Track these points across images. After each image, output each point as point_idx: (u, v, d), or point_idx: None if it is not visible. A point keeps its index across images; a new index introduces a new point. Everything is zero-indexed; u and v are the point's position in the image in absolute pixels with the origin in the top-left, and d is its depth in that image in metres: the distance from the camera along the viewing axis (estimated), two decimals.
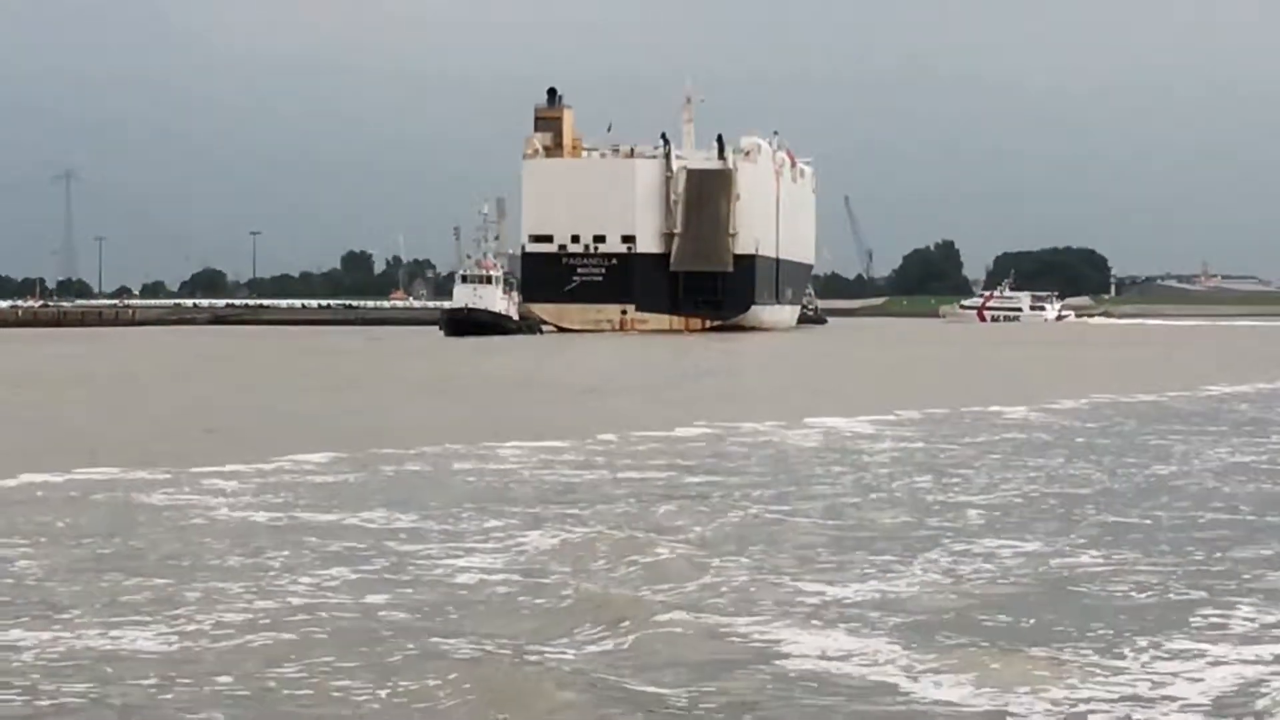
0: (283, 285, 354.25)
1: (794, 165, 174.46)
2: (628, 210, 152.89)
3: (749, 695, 12.88)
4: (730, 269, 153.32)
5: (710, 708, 12.53)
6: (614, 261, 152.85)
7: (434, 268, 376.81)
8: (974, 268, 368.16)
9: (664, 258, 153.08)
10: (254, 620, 15.86)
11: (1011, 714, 12.36)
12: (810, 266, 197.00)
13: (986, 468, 31.52)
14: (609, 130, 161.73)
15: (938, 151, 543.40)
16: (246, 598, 17.00)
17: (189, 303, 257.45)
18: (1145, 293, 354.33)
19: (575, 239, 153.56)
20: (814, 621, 15.72)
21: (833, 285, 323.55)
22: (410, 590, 17.64)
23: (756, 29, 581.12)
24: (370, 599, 17.03)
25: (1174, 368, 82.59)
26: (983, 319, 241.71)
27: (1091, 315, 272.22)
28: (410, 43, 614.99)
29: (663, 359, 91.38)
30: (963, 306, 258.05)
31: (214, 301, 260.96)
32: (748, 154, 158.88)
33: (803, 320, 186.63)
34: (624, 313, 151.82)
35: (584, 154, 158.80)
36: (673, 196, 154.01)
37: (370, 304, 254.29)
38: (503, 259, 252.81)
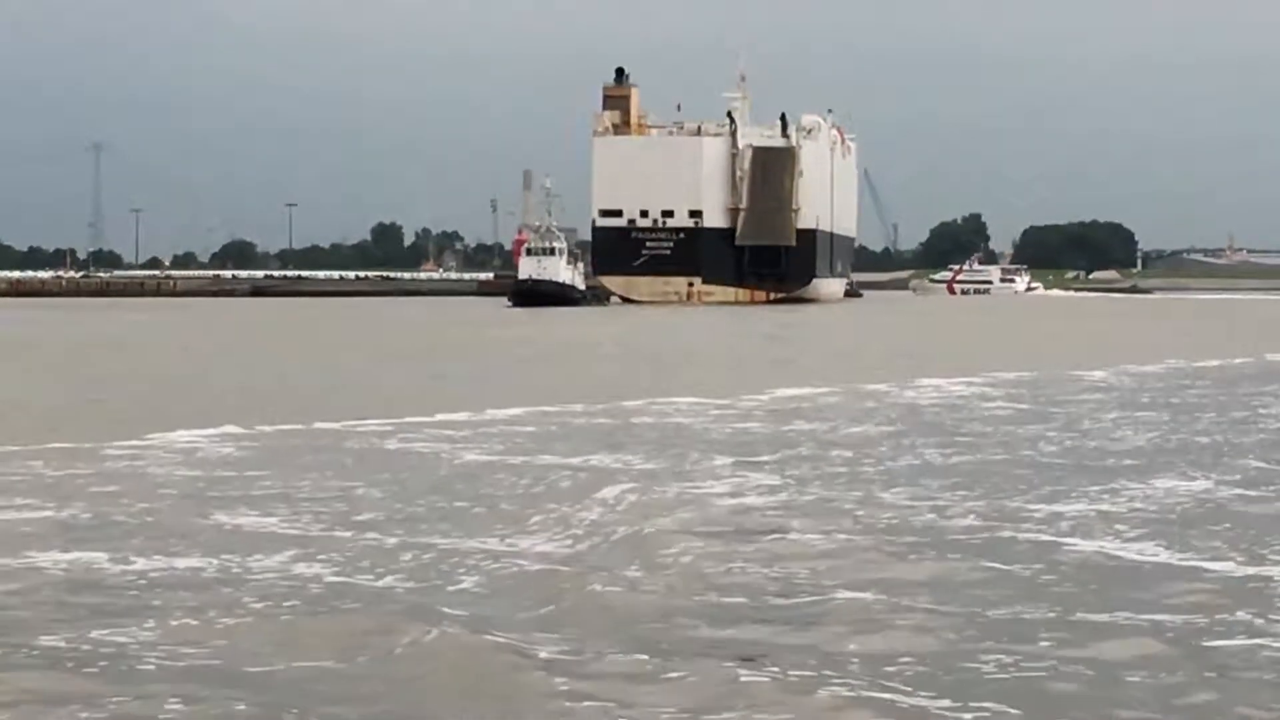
0: (313, 257, 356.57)
1: (843, 142, 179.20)
2: (695, 186, 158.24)
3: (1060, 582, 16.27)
4: (794, 243, 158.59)
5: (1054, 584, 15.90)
6: (682, 235, 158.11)
7: (463, 239, 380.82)
8: (1001, 241, 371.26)
9: (730, 232, 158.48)
10: (613, 525, 19.38)
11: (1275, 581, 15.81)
12: (853, 239, 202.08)
13: (1106, 422, 34.61)
14: (679, 109, 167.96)
15: (966, 125, 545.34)
16: (578, 517, 20.33)
17: (228, 274, 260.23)
18: (1171, 267, 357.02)
19: (644, 214, 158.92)
20: (1067, 529, 19.18)
21: (861, 258, 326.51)
22: (700, 505, 21.08)
23: (786, 2, 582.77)
24: (681, 513, 20.42)
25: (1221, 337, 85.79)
26: (952, 292, 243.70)
27: (1121, 290, 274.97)
28: (436, 16, 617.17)
29: (743, 329, 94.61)
30: (932, 280, 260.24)
31: (253, 273, 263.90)
32: (810, 132, 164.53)
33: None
34: (691, 285, 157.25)
35: (649, 131, 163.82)
36: (738, 173, 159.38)
37: (407, 276, 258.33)
38: (529, 229, 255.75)
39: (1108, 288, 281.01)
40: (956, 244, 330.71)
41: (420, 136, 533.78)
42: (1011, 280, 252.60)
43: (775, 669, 12.24)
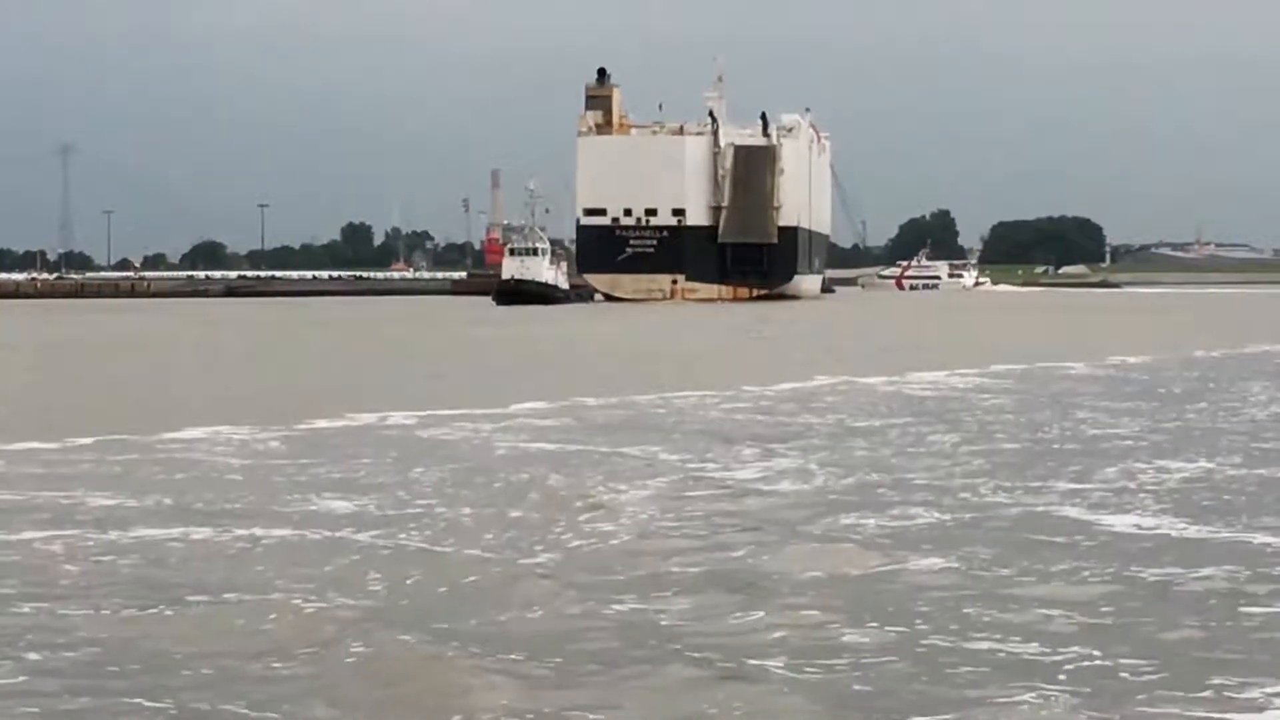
0: (283, 257, 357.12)
1: (818, 139, 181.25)
2: (678, 184, 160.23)
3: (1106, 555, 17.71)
4: (775, 240, 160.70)
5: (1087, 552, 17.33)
6: (665, 233, 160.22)
7: (432, 239, 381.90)
8: (969, 237, 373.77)
9: (713, 230, 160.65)
10: (674, 493, 20.86)
11: None
12: (827, 236, 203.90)
13: (1100, 411, 35.82)
14: (660, 109, 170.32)
15: (934, 121, 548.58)
16: (637, 485, 21.79)
17: (201, 274, 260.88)
18: (1140, 261, 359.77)
19: (628, 212, 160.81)
20: (1099, 504, 20.68)
21: (831, 254, 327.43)
22: (737, 487, 22.53)
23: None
24: (719, 500, 21.85)
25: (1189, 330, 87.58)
26: (901, 287, 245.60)
27: (1091, 284, 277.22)
28: (405, 16, 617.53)
29: (731, 326, 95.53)
30: (881, 276, 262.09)
31: (225, 273, 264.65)
32: (790, 130, 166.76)
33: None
34: (675, 282, 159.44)
35: (631, 131, 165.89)
36: (720, 171, 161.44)
37: (380, 275, 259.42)
38: (498, 228, 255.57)
39: (1077, 282, 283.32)
40: (925, 240, 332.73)
41: (390, 136, 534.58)
42: (960, 275, 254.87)
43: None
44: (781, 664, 12.41)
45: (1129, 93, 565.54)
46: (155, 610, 14.22)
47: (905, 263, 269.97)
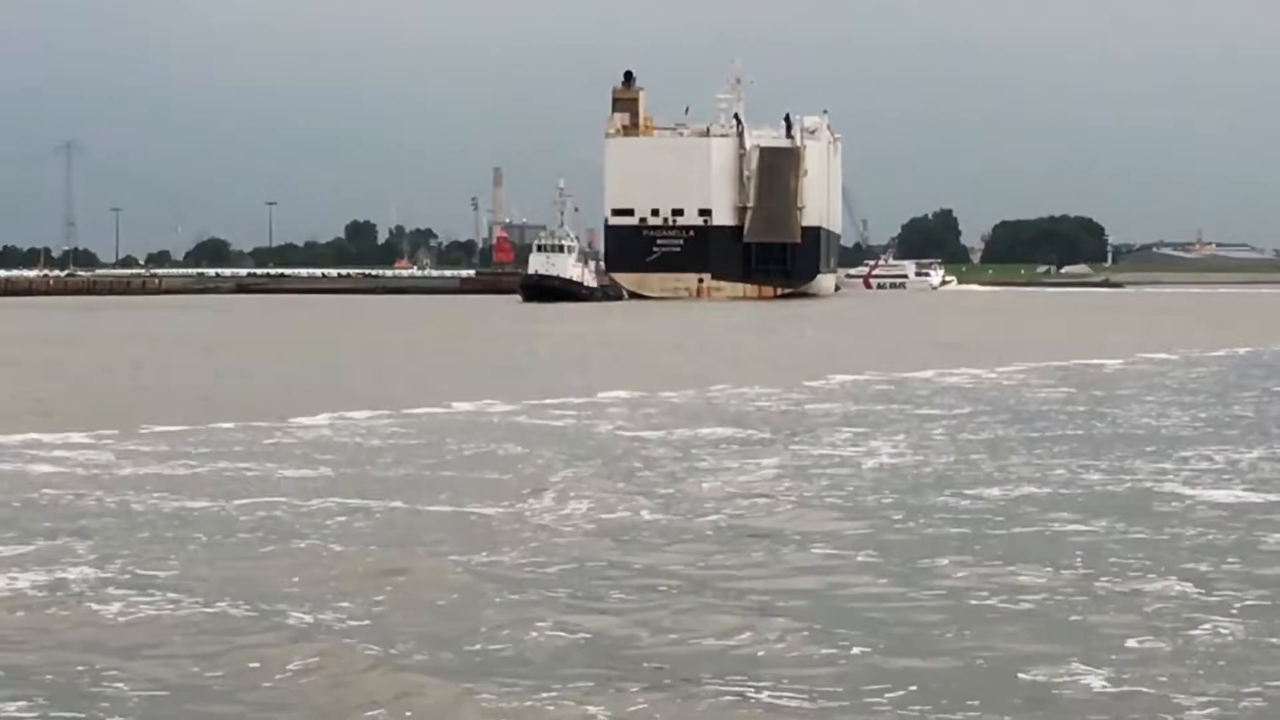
0: (287, 254, 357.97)
1: (833, 140, 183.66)
2: (704, 185, 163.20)
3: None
4: (799, 240, 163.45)
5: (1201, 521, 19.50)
6: (691, 233, 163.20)
7: (436, 236, 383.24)
8: (971, 236, 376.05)
9: (738, 230, 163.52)
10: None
11: None
12: (839, 235, 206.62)
13: (1145, 406, 37.60)
14: (686, 112, 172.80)
15: (937, 121, 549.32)
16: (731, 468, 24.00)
17: (211, 272, 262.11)
18: (1141, 261, 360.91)
19: (655, 212, 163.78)
20: (1190, 481, 22.95)
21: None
22: (831, 468, 24.72)
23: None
24: (813, 475, 24.05)
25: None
26: (868, 286, 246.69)
27: (1093, 284, 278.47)
28: (409, 15, 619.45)
29: (758, 323, 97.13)
30: (849, 275, 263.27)
31: (235, 271, 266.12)
32: (813, 133, 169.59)
33: None
34: (700, 281, 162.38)
35: (653, 133, 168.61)
36: (745, 173, 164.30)
37: (389, 273, 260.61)
38: (499, 226, 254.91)
39: (1080, 281, 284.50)
40: (928, 239, 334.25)
41: (393, 134, 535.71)
42: (926, 274, 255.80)
43: None
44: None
45: (1131, 93, 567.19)
46: None
47: (872, 262, 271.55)
